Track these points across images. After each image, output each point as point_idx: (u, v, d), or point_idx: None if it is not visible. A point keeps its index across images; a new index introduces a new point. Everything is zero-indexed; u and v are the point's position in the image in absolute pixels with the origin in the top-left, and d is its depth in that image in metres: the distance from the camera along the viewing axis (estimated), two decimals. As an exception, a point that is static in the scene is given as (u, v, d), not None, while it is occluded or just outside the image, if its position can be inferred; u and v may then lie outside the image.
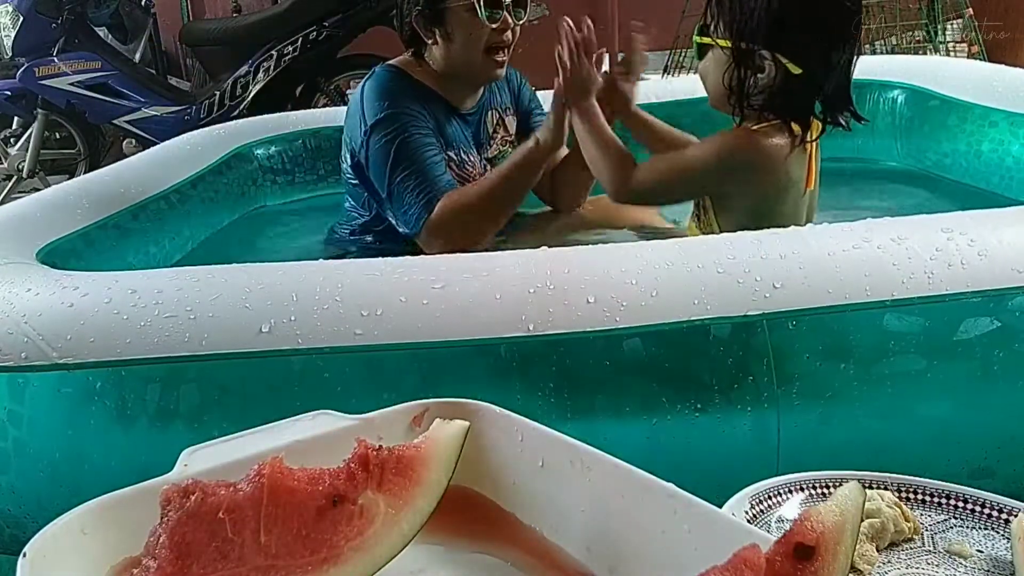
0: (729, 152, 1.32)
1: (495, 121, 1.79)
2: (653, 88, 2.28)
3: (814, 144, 1.38)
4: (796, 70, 1.28)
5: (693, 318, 0.95)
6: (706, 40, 1.36)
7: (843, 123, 1.35)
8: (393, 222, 1.63)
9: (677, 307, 0.96)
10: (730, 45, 1.31)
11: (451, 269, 1.03)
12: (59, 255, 1.40)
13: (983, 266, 0.98)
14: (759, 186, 1.33)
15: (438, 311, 0.97)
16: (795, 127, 1.33)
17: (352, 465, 0.56)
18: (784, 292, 0.97)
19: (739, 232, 1.11)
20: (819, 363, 0.96)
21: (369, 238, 1.72)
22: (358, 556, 0.52)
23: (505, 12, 1.60)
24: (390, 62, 1.72)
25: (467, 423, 0.61)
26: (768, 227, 1.27)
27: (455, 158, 1.67)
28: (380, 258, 1.09)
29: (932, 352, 0.97)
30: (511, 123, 1.84)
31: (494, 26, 1.59)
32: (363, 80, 1.68)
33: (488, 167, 1.75)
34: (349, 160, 1.69)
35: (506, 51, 1.63)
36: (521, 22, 1.64)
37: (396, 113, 1.59)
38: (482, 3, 1.57)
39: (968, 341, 0.96)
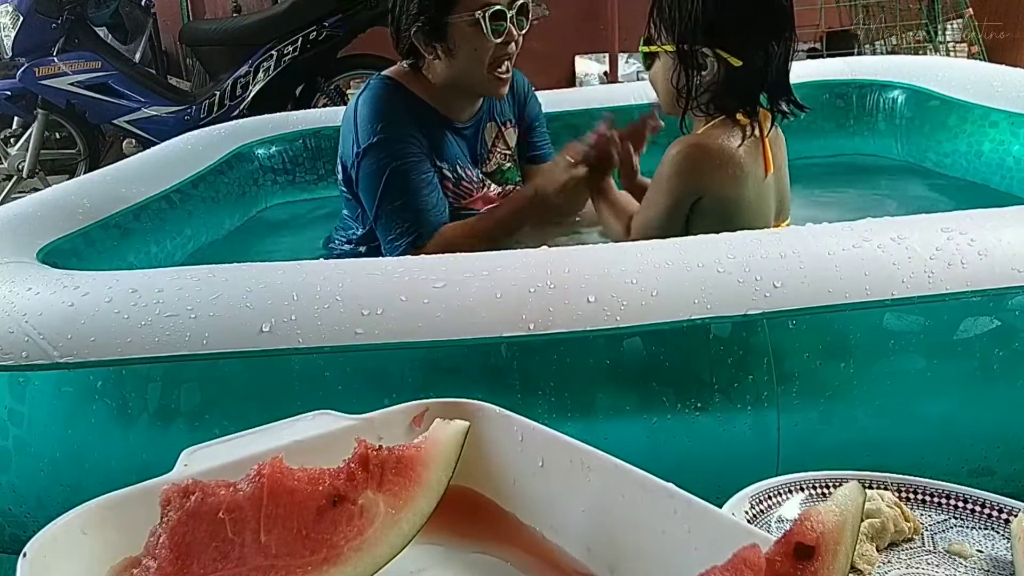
0: (684, 168, 1.37)
1: (494, 134, 1.75)
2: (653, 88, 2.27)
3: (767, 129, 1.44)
4: (736, 62, 1.35)
5: (693, 317, 0.95)
6: (652, 48, 1.43)
7: (787, 112, 1.42)
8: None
9: (677, 306, 0.96)
10: (674, 49, 1.38)
11: (452, 268, 1.03)
12: (60, 255, 1.40)
13: (983, 265, 0.98)
14: (718, 183, 1.37)
15: (439, 310, 0.97)
16: (742, 119, 1.39)
17: (352, 465, 0.56)
18: (784, 291, 0.97)
19: (739, 232, 1.11)
20: (819, 362, 0.96)
21: (363, 250, 1.70)
22: (358, 556, 0.52)
23: (509, 24, 1.56)
24: (386, 73, 1.68)
25: (467, 423, 0.61)
26: (731, 219, 1.32)
27: (451, 175, 1.65)
28: (380, 258, 1.09)
29: (932, 351, 0.97)
30: (511, 136, 1.80)
31: (499, 40, 1.55)
32: (358, 92, 1.66)
33: (486, 182, 1.73)
34: (342, 173, 1.67)
35: (509, 63, 1.60)
36: (524, 32, 1.60)
37: (389, 139, 1.56)
38: (487, 18, 1.53)
39: (968, 340, 0.96)
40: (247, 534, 0.52)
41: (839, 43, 4.15)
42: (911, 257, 0.99)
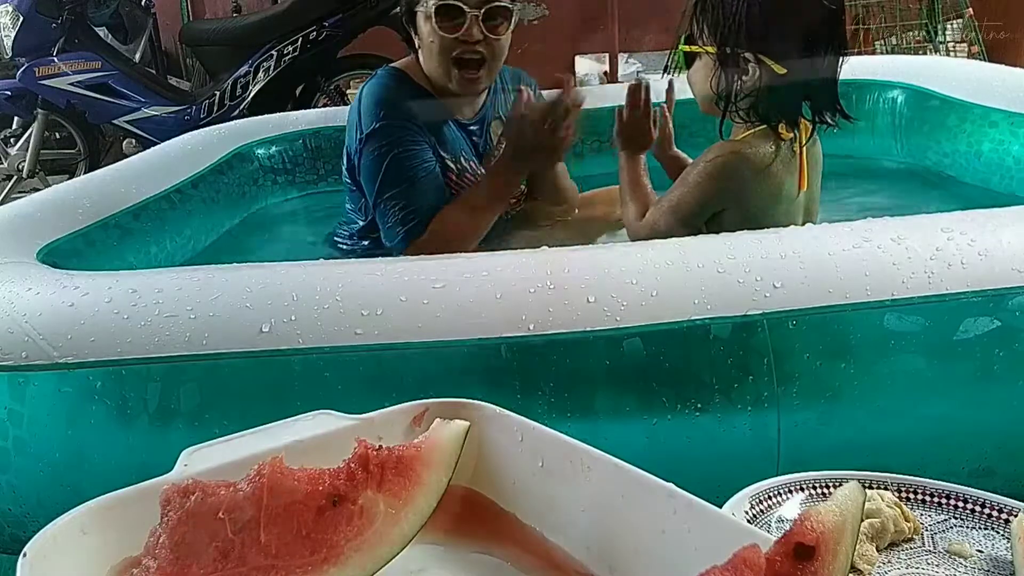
0: (718, 174, 1.33)
1: (499, 131, 1.75)
2: (654, 88, 2.27)
3: (807, 145, 1.39)
4: (780, 70, 1.30)
5: (693, 318, 0.95)
6: (693, 48, 1.39)
7: (831, 122, 1.37)
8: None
9: (677, 307, 0.96)
10: (715, 50, 1.34)
11: (451, 269, 1.03)
12: (59, 255, 1.40)
13: (983, 266, 0.98)
14: (748, 197, 1.35)
15: (438, 311, 0.97)
16: (783, 130, 1.34)
17: (352, 465, 0.56)
18: (784, 292, 0.97)
19: (739, 232, 1.11)
20: (819, 363, 0.96)
21: (366, 243, 1.71)
22: (358, 556, 0.52)
23: (474, 24, 1.51)
24: (394, 64, 1.69)
25: (467, 423, 0.61)
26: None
27: (454, 167, 1.65)
28: (380, 258, 1.09)
29: (932, 352, 0.97)
30: None
31: (452, 36, 1.52)
32: (366, 81, 1.67)
33: None
34: (346, 162, 1.68)
35: (480, 67, 1.56)
36: (500, 37, 1.56)
37: (391, 126, 1.56)
38: (434, 11, 1.50)
39: (968, 341, 0.96)
40: (247, 534, 0.52)
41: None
42: (911, 257, 0.99)
